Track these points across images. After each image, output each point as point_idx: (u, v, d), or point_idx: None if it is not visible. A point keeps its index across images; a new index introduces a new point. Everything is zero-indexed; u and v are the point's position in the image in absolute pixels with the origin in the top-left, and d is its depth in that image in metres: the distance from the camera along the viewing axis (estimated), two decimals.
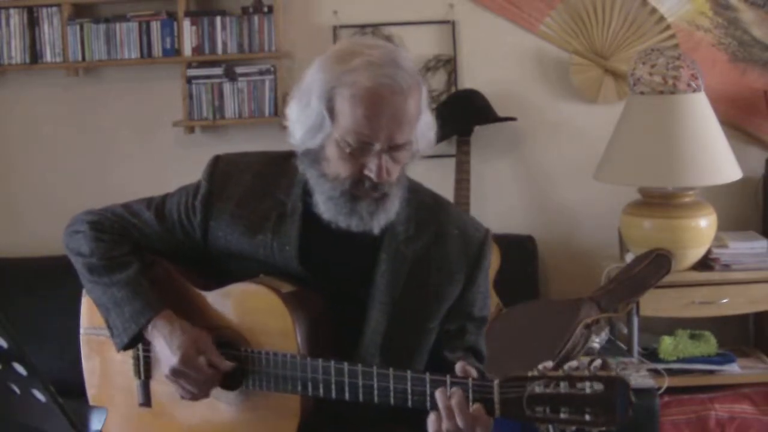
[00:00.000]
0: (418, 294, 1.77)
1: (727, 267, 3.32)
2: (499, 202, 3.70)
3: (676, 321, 3.42)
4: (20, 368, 1.48)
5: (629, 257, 3.33)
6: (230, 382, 1.78)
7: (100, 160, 3.79)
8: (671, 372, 3.24)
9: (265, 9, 3.57)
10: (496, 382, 1.53)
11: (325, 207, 1.73)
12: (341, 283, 1.78)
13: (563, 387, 1.48)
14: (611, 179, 3.30)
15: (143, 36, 3.59)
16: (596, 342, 3.24)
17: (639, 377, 3.01)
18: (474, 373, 1.59)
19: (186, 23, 3.56)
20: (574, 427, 1.49)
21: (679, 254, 3.20)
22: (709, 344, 3.35)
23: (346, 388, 1.65)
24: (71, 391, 1.99)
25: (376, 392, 1.63)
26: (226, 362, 1.75)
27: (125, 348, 1.82)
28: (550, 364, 1.51)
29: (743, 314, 3.46)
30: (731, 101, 3.58)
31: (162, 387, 1.85)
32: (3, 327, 1.44)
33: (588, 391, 1.46)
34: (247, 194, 1.82)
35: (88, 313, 1.95)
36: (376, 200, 1.71)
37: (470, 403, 1.55)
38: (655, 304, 3.27)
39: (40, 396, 1.50)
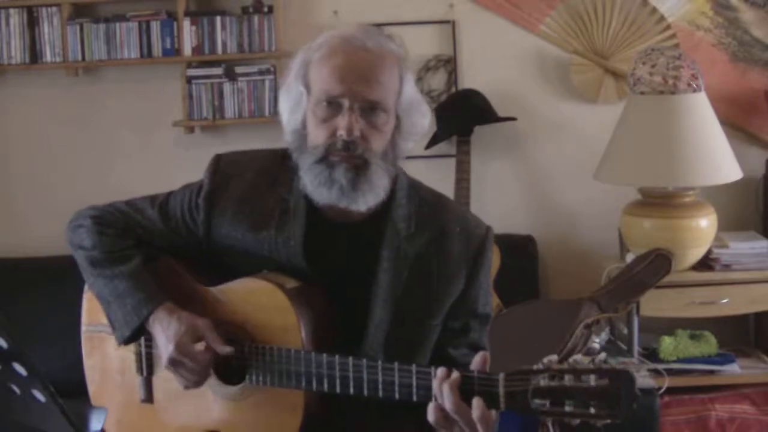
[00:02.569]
0: (421, 291, 1.77)
1: (727, 267, 3.32)
2: (499, 202, 3.70)
3: (676, 321, 3.42)
4: (20, 368, 1.48)
5: (629, 257, 3.33)
6: (233, 377, 1.78)
7: (100, 159, 3.79)
8: (671, 372, 3.24)
9: (265, 9, 3.57)
10: (501, 375, 1.53)
11: (307, 180, 1.73)
12: (344, 279, 1.77)
13: (568, 380, 1.47)
14: (611, 179, 3.30)
15: (143, 36, 3.59)
16: (596, 342, 3.24)
17: (639, 377, 3.01)
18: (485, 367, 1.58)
19: (186, 23, 3.56)
20: (578, 420, 1.49)
21: (679, 254, 3.20)
22: (709, 344, 3.35)
23: (351, 383, 1.64)
24: (71, 391, 1.99)
25: (381, 387, 1.62)
26: (224, 346, 1.73)
27: (127, 342, 1.81)
28: (555, 357, 1.51)
29: (743, 314, 3.46)
30: (731, 101, 3.58)
31: (164, 383, 1.85)
32: (3, 327, 1.44)
33: (593, 384, 1.46)
34: (250, 191, 1.82)
35: (89, 310, 1.95)
36: (355, 167, 1.69)
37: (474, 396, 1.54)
38: (655, 304, 3.26)
39: (40, 396, 1.50)
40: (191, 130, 3.70)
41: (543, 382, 1.49)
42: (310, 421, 1.72)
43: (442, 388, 1.55)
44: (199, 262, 1.86)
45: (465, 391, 1.54)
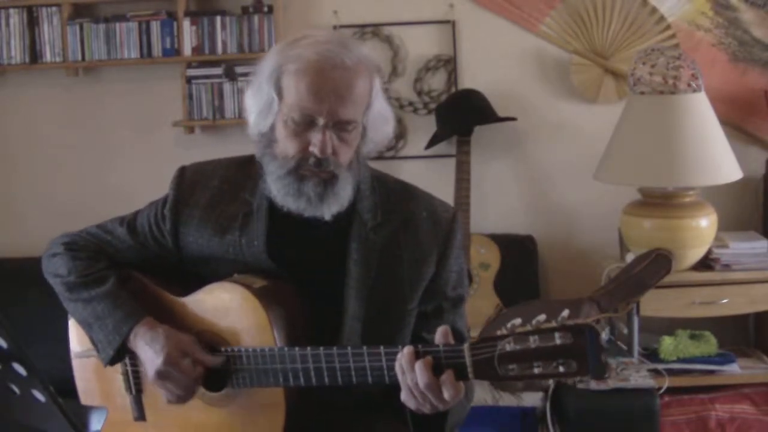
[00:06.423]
0: (393, 279, 1.80)
1: (727, 267, 3.31)
2: (499, 202, 3.70)
3: (676, 321, 3.42)
4: (20, 368, 1.48)
5: (629, 257, 3.33)
6: (215, 383, 1.80)
7: (100, 160, 3.79)
8: (671, 372, 3.24)
9: (265, 9, 3.57)
10: (466, 345, 1.54)
11: (274, 188, 1.77)
12: (314, 275, 1.80)
13: (533, 341, 1.48)
14: (611, 179, 3.30)
15: (143, 36, 3.59)
16: None
17: (639, 377, 3.01)
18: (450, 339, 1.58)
19: (186, 23, 3.56)
20: (550, 381, 1.49)
21: (679, 254, 3.20)
22: (710, 344, 3.35)
23: (325, 373, 1.66)
24: (71, 391, 2.00)
25: (353, 373, 1.64)
26: (212, 357, 1.76)
27: (112, 362, 1.84)
28: (518, 321, 1.51)
29: (743, 314, 3.46)
30: (731, 101, 3.58)
31: (154, 399, 1.86)
32: (3, 327, 1.44)
33: (558, 342, 1.46)
34: (215, 198, 1.86)
35: (77, 336, 1.97)
36: (324, 181, 1.74)
37: (443, 370, 1.55)
38: (655, 304, 3.26)
39: (40, 396, 1.49)
40: (191, 130, 3.70)
41: (509, 347, 1.49)
42: (294, 416, 1.73)
43: (415, 366, 1.56)
44: (172, 274, 1.89)
45: (434, 366, 1.56)
